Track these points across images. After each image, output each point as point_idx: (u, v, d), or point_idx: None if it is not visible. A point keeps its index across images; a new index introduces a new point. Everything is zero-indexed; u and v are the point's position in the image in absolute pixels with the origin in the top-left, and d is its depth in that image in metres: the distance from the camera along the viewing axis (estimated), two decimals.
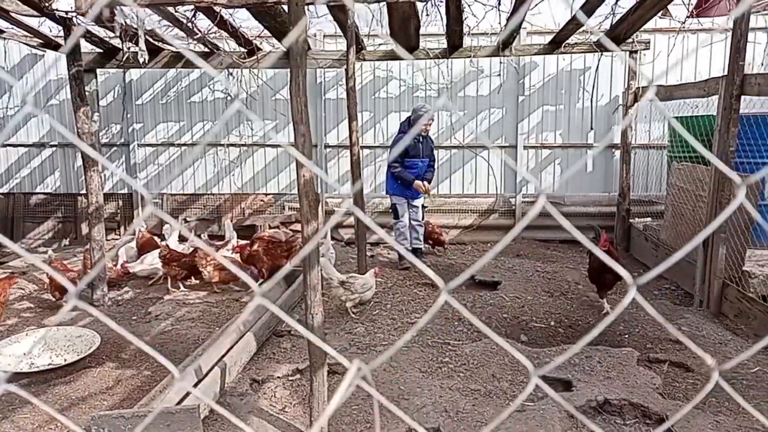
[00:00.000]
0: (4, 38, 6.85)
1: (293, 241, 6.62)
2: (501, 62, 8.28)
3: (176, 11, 5.52)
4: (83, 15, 4.84)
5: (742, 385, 3.93)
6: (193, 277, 6.37)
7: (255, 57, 7.23)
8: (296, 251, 6.37)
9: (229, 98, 8.68)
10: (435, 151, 7.22)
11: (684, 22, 6.87)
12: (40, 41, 6.89)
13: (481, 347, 4.58)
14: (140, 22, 5.29)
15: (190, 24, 5.91)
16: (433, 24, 7.20)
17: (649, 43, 7.41)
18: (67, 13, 5.03)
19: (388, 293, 6.09)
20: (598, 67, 7.99)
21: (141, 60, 5.88)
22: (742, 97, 4.96)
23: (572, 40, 7.13)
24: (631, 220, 7.74)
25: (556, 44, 7.16)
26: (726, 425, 3.39)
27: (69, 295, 0.87)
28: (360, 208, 6.55)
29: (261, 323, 4.70)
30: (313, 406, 3.26)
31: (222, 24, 5.66)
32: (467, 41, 7.39)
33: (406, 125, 6.90)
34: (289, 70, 3.04)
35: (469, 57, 7.53)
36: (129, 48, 6.26)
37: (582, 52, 7.41)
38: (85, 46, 7.06)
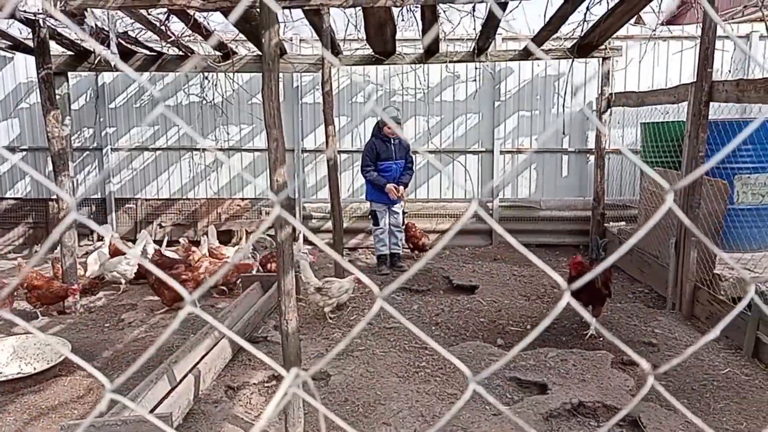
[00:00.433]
0: None
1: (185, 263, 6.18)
2: (477, 68, 8.34)
3: (149, 14, 5.45)
4: (52, 17, 4.75)
5: (713, 386, 3.99)
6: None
7: (230, 61, 7.17)
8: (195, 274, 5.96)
9: (204, 102, 8.59)
10: (413, 154, 7.18)
11: (655, 30, 7.01)
12: (9, 43, 6.75)
13: (457, 351, 4.59)
14: (111, 24, 5.21)
15: (163, 27, 5.84)
16: (409, 29, 7.23)
17: (621, 50, 7.53)
18: (35, 15, 4.94)
19: (366, 298, 6.07)
20: (570, 72, 8.09)
21: (112, 63, 5.79)
22: (711, 103, 5.06)
23: (546, 46, 7.21)
24: (605, 225, 7.84)
25: (535, 46, 7.23)
26: (696, 426, 3.44)
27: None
28: (337, 214, 6.52)
29: (236, 330, 4.66)
30: (288, 413, 3.24)
31: (196, 27, 5.61)
32: (443, 46, 7.44)
33: (377, 129, 6.89)
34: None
35: (445, 62, 7.58)
36: (101, 54, 6.16)
37: (556, 58, 7.50)
38: (56, 49, 6.92)
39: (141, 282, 6.58)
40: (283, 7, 4.74)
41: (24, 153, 8.91)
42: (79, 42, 6.90)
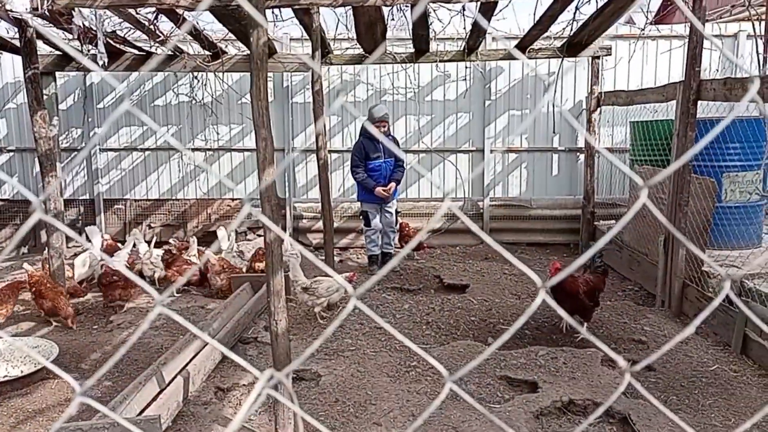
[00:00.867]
0: None
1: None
2: (467, 67, 8.34)
3: (137, 13, 5.42)
4: (40, 16, 4.71)
5: (701, 383, 4.02)
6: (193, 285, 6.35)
7: (220, 60, 7.14)
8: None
9: (194, 101, 8.55)
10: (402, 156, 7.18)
11: (644, 29, 7.04)
12: None
13: (448, 351, 4.59)
14: (99, 23, 5.17)
15: (152, 26, 5.80)
16: (399, 28, 7.23)
17: (610, 49, 7.57)
18: (21, 14, 4.89)
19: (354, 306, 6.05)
20: (560, 71, 8.11)
21: (100, 63, 5.75)
22: (699, 102, 5.09)
23: (536, 45, 7.24)
24: (596, 223, 7.88)
25: (521, 49, 7.25)
26: (685, 422, 3.46)
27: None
28: (327, 213, 6.51)
29: (226, 331, 4.63)
30: (278, 414, 3.22)
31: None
32: (433, 46, 7.44)
33: (365, 129, 6.84)
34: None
35: (436, 61, 7.58)
36: (89, 50, 6.12)
37: (546, 58, 7.52)
38: (44, 48, 6.87)
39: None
40: (273, 6, 4.72)
41: (11, 154, 8.83)
42: (66, 41, 6.84)
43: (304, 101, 8.55)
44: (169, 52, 7.19)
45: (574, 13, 6.02)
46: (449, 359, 4.43)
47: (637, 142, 6.75)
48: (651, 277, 5.84)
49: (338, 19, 7.07)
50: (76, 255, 6.85)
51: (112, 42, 6.51)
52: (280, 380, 0.85)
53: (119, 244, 7.57)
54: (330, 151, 8.34)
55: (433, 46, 7.45)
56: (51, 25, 5.78)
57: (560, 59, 7.39)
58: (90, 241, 7.09)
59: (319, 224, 7.55)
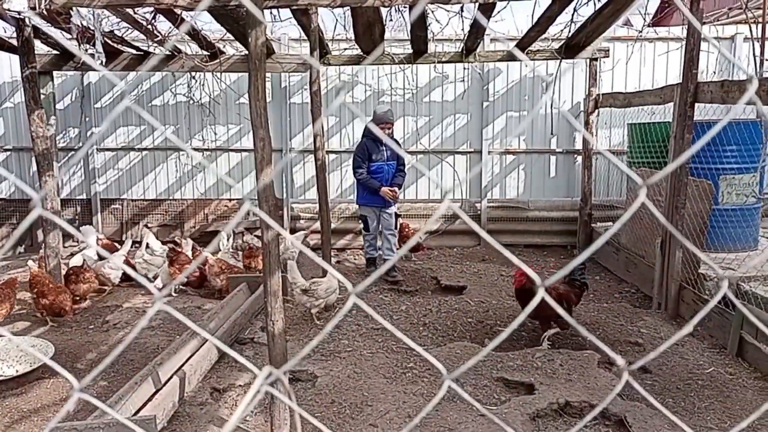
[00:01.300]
0: None
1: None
2: (465, 68, 8.35)
3: (135, 13, 5.41)
4: (39, 16, 4.70)
5: (697, 386, 4.02)
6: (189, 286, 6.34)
7: (218, 60, 7.13)
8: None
9: (191, 102, 8.54)
10: (405, 158, 7.01)
11: (641, 31, 7.06)
12: None
13: (445, 352, 4.59)
14: (97, 23, 5.16)
15: (150, 26, 5.80)
16: (397, 29, 7.23)
17: (608, 51, 7.58)
18: (19, 13, 4.88)
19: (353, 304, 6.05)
20: (558, 73, 8.12)
21: (98, 62, 5.74)
22: (696, 104, 5.10)
23: (535, 47, 7.24)
24: (593, 225, 7.88)
25: (520, 50, 7.26)
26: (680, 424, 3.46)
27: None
28: (325, 214, 6.50)
29: (223, 331, 4.62)
30: (274, 415, 3.21)
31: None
32: (431, 47, 7.44)
33: (368, 130, 6.68)
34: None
35: (434, 62, 7.58)
36: (86, 50, 6.11)
37: (544, 59, 7.53)
38: (41, 48, 6.85)
39: (125, 284, 6.54)
40: (271, 7, 4.72)
41: (8, 153, 8.81)
42: (65, 43, 6.83)
43: (302, 102, 8.54)
44: (168, 52, 7.18)
45: (572, 15, 6.03)
46: (446, 360, 4.43)
47: (635, 145, 6.76)
48: (648, 279, 5.84)
49: (336, 20, 7.08)
50: (72, 255, 6.84)
51: (109, 42, 6.50)
52: (277, 378, 0.84)
53: (116, 244, 7.55)
54: (328, 152, 8.33)
55: (432, 47, 7.45)
56: (49, 24, 5.77)
57: (558, 61, 7.40)
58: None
59: (317, 225, 7.54)
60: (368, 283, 1.02)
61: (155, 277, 6.39)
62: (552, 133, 8.47)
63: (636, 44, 8.05)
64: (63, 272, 5.95)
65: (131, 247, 7.11)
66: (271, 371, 0.83)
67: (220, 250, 7.02)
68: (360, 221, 7.02)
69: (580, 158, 8.20)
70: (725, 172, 5.75)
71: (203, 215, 8.81)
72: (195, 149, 8.69)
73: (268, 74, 7.33)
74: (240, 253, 7.04)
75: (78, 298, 5.67)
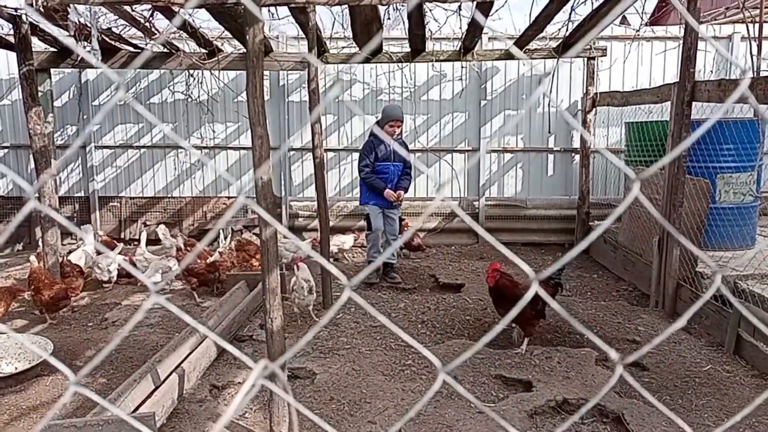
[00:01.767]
0: None
1: None
2: (463, 67, 8.36)
3: (133, 10, 5.40)
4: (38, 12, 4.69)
5: (694, 383, 4.04)
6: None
7: (216, 58, 7.12)
8: None
9: (189, 99, 8.53)
10: (410, 155, 6.82)
11: (639, 30, 7.07)
12: None
13: (443, 349, 4.60)
14: (93, 20, 5.15)
15: (148, 24, 5.79)
16: (395, 28, 7.23)
17: (605, 49, 7.60)
18: (16, 10, 4.87)
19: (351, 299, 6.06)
20: (555, 72, 8.14)
21: (94, 60, 5.73)
22: (694, 103, 5.12)
23: (532, 45, 7.25)
24: (590, 223, 7.90)
25: (518, 48, 7.27)
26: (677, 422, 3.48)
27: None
28: (323, 212, 6.50)
29: (221, 328, 4.63)
30: (273, 412, 3.22)
31: (181, 24, 5.56)
32: (429, 45, 7.44)
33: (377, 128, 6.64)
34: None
35: (432, 61, 7.59)
36: (83, 47, 6.10)
37: (542, 58, 7.54)
38: (39, 45, 6.84)
39: (124, 281, 6.54)
40: (269, 5, 4.72)
41: (6, 150, 8.80)
42: (61, 38, 6.82)
43: (300, 100, 8.54)
44: (165, 50, 7.18)
45: (570, 14, 6.04)
46: (444, 358, 4.44)
47: (632, 143, 6.78)
48: (645, 277, 5.86)
49: (334, 18, 7.08)
50: (70, 252, 6.83)
51: (107, 39, 6.49)
52: (274, 371, 0.85)
53: (116, 241, 7.55)
54: (326, 150, 8.34)
55: (430, 45, 7.46)
56: (46, 21, 5.76)
57: (555, 60, 7.41)
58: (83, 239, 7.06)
59: (315, 223, 7.55)
60: (362, 277, 1.03)
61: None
62: (549, 132, 8.49)
63: (633, 43, 8.07)
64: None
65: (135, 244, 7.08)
66: (267, 365, 0.84)
67: (217, 249, 7.01)
68: (365, 220, 6.88)
69: (577, 157, 8.22)
70: (723, 170, 5.77)
71: (202, 213, 8.81)
72: (193, 146, 8.68)
73: (266, 72, 7.33)
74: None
75: (74, 294, 5.64)
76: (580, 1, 5.66)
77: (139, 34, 6.48)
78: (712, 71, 8.14)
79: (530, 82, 8.47)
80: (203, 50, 7.24)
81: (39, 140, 5.59)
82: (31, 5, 4.45)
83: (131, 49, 7.16)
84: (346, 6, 5.16)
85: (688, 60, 5.02)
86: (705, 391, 3.94)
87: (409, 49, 7.43)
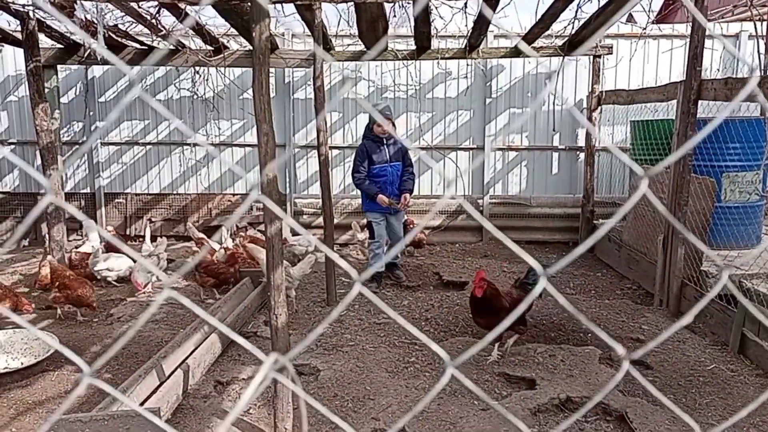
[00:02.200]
0: None
1: None
2: (468, 64, 8.35)
3: (140, 7, 5.42)
4: (42, 9, 4.71)
5: (699, 382, 4.04)
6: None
7: (221, 55, 7.14)
8: None
9: (195, 97, 8.55)
10: (411, 154, 6.42)
11: (645, 28, 7.04)
12: None
13: (447, 346, 4.61)
14: (99, 17, 5.17)
15: (154, 20, 5.81)
16: (401, 26, 7.23)
17: (611, 47, 7.57)
18: (24, 6, 4.90)
19: (357, 294, 6.07)
20: (561, 70, 8.12)
21: (100, 56, 5.75)
22: (700, 101, 5.10)
23: (538, 43, 7.24)
24: (595, 222, 7.89)
25: (525, 44, 7.25)
26: (682, 421, 3.48)
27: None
28: (328, 210, 6.51)
29: (226, 325, 4.65)
30: (277, 408, 3.24)
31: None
32: (435, 43, 7.44)
33: (368, 130, 6.16)
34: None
35: (437, 59, 7.58)
36: (90, 44, 6.12)
37: (547, 56, 7.52)
38: (46, 42, 6.87)
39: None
40: (275, 2, 4.73)
41: (12, 146, 8.84)
42: (68, 35, 6.84)
43: (305, 97, 8.55)
44: (171, 46, 7.20)
45: (576, 12, 6.02)
46: (448, 354, 4.45)
47: (638, 142, 6.76)
48: (649, 276, 5.85)
49: (340, 16, 7.06)
50: (76, 248, 6.86)
51: (113, 35, 6.51)
52: (283, 365, 0.86)
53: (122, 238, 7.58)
54: (331, 147, 8.34)
55: (435, 43, 7.45)
56: (53, 18, 5.78)
57: (561, 58, 7.39)
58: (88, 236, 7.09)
59: (320, 220, 7.56)
60: (372, 272, 1.04)
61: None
62: (554, 130, 8.47)
63: (640, 41, 8.04)
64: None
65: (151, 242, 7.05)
66: (278, 358, 0.85)
67: (221, 244, 7.03)
68: (366, 229, 6.56)
69: (582, 155, 8.20)
70: (728, 169, 5.75)
71: (207, 210, 8.83)
72: (198, 144, 8.71)
73: (271, 69, 7.34)
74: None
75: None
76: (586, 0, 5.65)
77: (146, 31, 6.50)
78: (718, 69, 8.10)
79: (535, 80, 8.45)
80: (209, 47, 7.26)
81: (45, 136, 5.62)
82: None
83: (137, 46, 7.18)
84: (352, 3, 5.17)
85: (694, 58, 5.00)
86: (709, 390, 3.93)
87: (414, 47, 7.43)
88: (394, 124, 6.08)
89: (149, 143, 8.77)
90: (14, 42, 6.68)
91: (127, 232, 8.78)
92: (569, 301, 5.56)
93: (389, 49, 7.36)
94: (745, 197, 5.81)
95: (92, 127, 8.69)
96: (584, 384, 3.94)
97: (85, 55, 6.69)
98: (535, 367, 4.22)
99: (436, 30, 7.06)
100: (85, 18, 5.32)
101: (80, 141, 8.76)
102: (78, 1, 4.82)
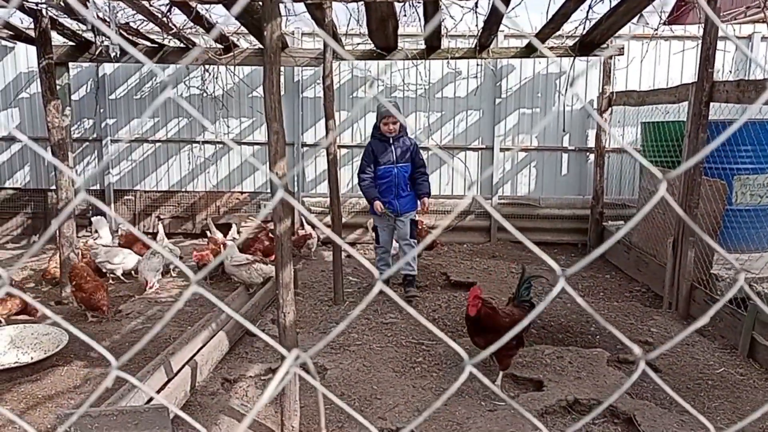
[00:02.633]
0: None
1: None
2: (478, 64, 8.33)
3: (151, 5, 5.44)
4: (54, 7, 4.74)
5: (707, 385, 4.01)
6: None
7: (231, 54, 7.16)
8: None
9: (205, 95, 8.58)
10: (422, 153, 6.04)
11: (657, 29, 7.00)
12: (10, 33, 6.74)
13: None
14: (112, 14, 5.20)
15: (165, 19, 5.83)
16: (411, 25, 7.22)
17: (622, 48, 7.53)
18: (37, 4, 4.93)
19: (364, 293, 6.09)
20: (572, 71, 8.08)
21: (112, 54, 5.78)
22: (711, 103, 5.07)
23: (549, 43, 7.21)
24: (604, 223, 7.85)
25: (533, 48, 7.23)
26: (691, 424, 3.46)
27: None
28: (336, 208, 6.53)
29: (234, 322, 4.66)
30: (284, 406, 3.25)
31: (198, 19, 5.60)
32: (445, 43, 7.42)
33: (375, 129, 5.96)
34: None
35: (447, 58, 7.56)
36: (102, 42, 6.15)
37: (558, 56, 7.49)
38: (57, 39, 6.91)
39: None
40: (282, 0, 4.73)
41: (23, 142, 8.90)
42: (80, 32, 6.88)
43: (314, 96, 8.56)
44: (181, 45, 7.22)
45: (588, 12, 5.99)
46: (455, 356, 4.45)
47: (648, 143, 6.72)
48: (659, 278, 5.82)
49: (350, 15, 7.06)
50: (85, 245, 6.91)
51: (124, 34, 6.54)
52: (305, 361, 0.87)
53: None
54: (339, 146, 8.36)
55: (445, 42, 7.44)
56: (65, 15, 5.82)
57: (572, 58, 7.36)
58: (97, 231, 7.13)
59: (327, 219, 7.56)
60: (392, 272, 1.05)
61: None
62: (564, 131, 8.44)
63: (651, 42, 8.00)
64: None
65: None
66: (299, 354, 0.86)
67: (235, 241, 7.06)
68: (373, 234, 6.29)
69: (592, 156, 8.16)
70: (739, 172, 5.71)
71: (215, 207, 8.86)
72: (207, 142, 8.74)
73: (281, 68, 7.34)
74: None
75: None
76: (598, 0, 5.62)
77: (156, 29, 6.53)
78: (730, 71, 8.04)
79: (546, 80, 8.42)
80: (219, 45, 7.28)
81: (57, 133, 5.66)
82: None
83: (148, 43, 7.22)
84: (362, 2, 5.17)
85: (706, 60, 4.97)
86: (718, 393, 3.91)
87: (424, 46, 7.42)
88: (402, 124, 5.83)
89: (158, 140, 8.81)
90: (27, 39, 6.72)
91: (136, 229, 8.82)
92: (578, 303, 5.53)
93: (399, 48, 7.35)
94: (756, 200, 5.76)
95: (102, 124, 8.74)
96: (592, 386, 3.92)
97: (96, 52, 6.73)
98: (542, 368, 4.21)
99: (446, 29, 7.05)
100: (97, 16, 5.35)
101: (90, 138, 8.81)
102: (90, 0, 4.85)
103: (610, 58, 7.49)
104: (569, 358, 4.35)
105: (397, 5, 5.71)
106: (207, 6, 5.53)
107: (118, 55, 6.34)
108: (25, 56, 8.55)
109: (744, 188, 5.73)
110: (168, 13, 5.89)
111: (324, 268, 6.88)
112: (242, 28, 6.36)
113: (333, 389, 3.95)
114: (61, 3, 4.66)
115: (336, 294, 5.79)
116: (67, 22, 6.40)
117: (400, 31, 6.65)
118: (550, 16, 5.92)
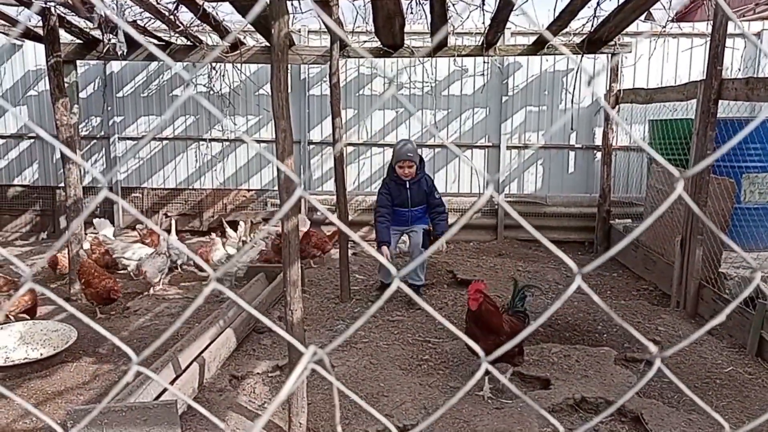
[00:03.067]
0: None
1: None
2: (485, 62, 8.31)
3: (158, 3, 5.46)
4: (62, 5, 4.76)
5: (715, 385, 4.00)
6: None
7: (238, 51, 7.17)
8: None
9: (211, 92, 8.60)
10: (436, 192, 5.87)
11: (665, 26, 6.96)
12: (19, 31, 6.78)
13: (461, 345, 4.60)
14: (119, 12, 5.22)
15: (172, 16, 5.85)
16: (417, 22, 7.21)
17: (630, 46, 7.49)
18: (46, 2, 4.95)
19: (370, 290, 6.10)
20: (579, 68, 8.06)
21: (119, 52, 5.81)
22: (720, 101, 5.04)
23: (556, 41, 7.17)
24: (611, 221, 7.83)
25: (540, 45, 7.21)
26: (698, 423, 3.45)
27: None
28: (342, 206, 6.53)
29: (241, 319, 4.68)
30: (292, 403, 3.26)
31: (205, 17, 5.61)
32: (451, 40, 7.41)
33: (390, 170, 5.84)
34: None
35: (454, 56, 7.55)
36: (109, 39, 6.18)
37: (566, 53, 7.46)
38: (65, 37, 6.94)
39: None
40: None
41: (32, 140, 8.96)
42: (88, 30, 6.91)
43: (321, 94, 8.57)
44: (188, 42, 7.24)
45: (595, 9, 5.97)
46: (461, 353, 4.45)
47: (656, 141, 6.69)
48: (666, 277, 5.80)
49: (356, 12, 7.06)
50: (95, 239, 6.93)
51: (132, 31, 6.56)
52: (321, 357, 0.87)
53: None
54: (346, 144, 8.37)
55: (452, 40, 7.42)
56: (72, 13, 5.84)
57: (580, 56, 7.33)
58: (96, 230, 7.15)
59: (334, 217, 7.57)
60: (412, 268, 1.06)
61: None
62: (572, 128, 8.41)
63: (659, 40, 7.96)
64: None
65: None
66: (316, 350, 0.87)
67: (229, 238, 7.04)
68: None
69: (599, 154, 8.13)
70: (748, 170, 5.68)
71: (222, 205, 8.89)
72: (214, 140, 8.77)
73: (288, 66, 7.35)
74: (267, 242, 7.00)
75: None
76: None
77: (163, 27, 6.55)
78: (739, 69, 7.99)
79: (552, 78, 8.39)
80: (226, 43, 7.29)
81: (65, 131, 5.69)
82: None
83: (155, 41, 7.24)
84: (369, 0, 5.17)
85: (715, 57, 4.94)
86: (726, 392, 3.89)
87: (431, 44, 7.41)
88: (417, 167, 5.72)
89: (166, 138, 8.85)
90: (35, 37, 6.76)
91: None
92: (585, 301, 5.52)
93: (405, 45, 7.34)
94: (765, 198, 5.73)
95: (110, 122, 8.78)
96: (599, 385, 3.92)
97: (104, 50, 6.75)
98: (549, 367, 4.21)
99: (453, 27, 7.03)
100: (104, 13, 5.37)
101: (98, 136, 8.85)
102: None
103: (617, 55, 7.46)
104: (576, 356, 4.35)
105: (404, 3, 5.71)
106: (214, 3, 5.54)
107: (125, 53, 6.36)
108: (33, 54, 8.59)
109: (752, 186, 5.70)
110: (175, 11, 5.91)
111: (330, 266, 6.89)
112: (249, 25, 6.37)
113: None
114: (70, 1, 4.68)
115: (343, 292, 5.80)
116: (75, 19, 6.42)
117: (407, 28, 6.64)
118: (557, 14, 5.89)
